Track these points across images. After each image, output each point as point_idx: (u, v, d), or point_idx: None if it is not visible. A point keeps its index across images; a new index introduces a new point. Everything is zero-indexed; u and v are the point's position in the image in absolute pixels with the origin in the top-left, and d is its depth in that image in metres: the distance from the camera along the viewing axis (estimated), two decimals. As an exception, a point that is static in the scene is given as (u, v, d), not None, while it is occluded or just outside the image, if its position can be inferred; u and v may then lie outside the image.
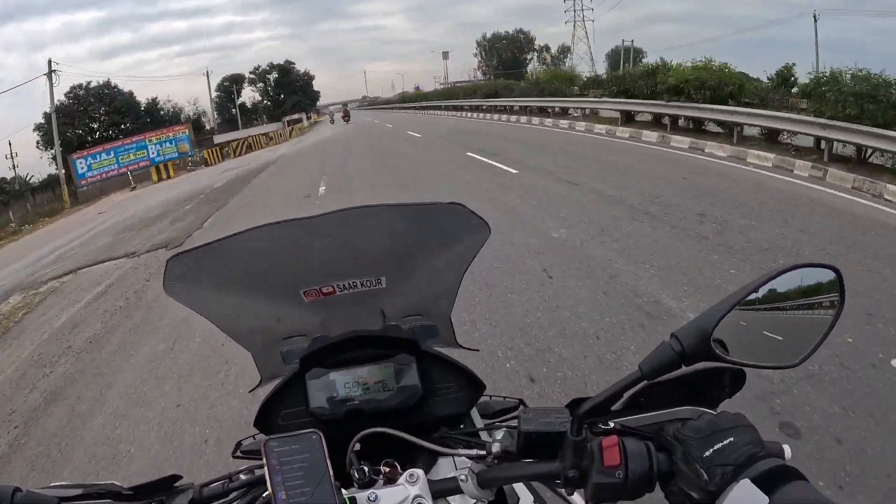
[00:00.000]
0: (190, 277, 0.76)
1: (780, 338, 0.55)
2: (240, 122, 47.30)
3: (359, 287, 0.82)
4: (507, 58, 62.45)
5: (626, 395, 0.59)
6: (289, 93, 58.33)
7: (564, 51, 62.14)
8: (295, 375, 0.76)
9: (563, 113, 16.81)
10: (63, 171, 26.48)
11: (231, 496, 0.68)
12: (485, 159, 10.11)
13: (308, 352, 0.77)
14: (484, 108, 24.22)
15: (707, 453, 0.50)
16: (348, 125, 35.15)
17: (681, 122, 11.06)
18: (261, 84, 57.85)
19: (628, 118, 12.81)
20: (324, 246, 0.79)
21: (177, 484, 0.70)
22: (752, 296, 0.53)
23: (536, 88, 19.84)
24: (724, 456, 0.49)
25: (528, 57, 64.21)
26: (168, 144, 28.91)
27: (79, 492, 0.62)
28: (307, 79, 60.74)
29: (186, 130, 30.38)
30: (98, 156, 27.36)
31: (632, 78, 13.62)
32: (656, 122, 11.85)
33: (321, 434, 0.60)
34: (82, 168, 26.71)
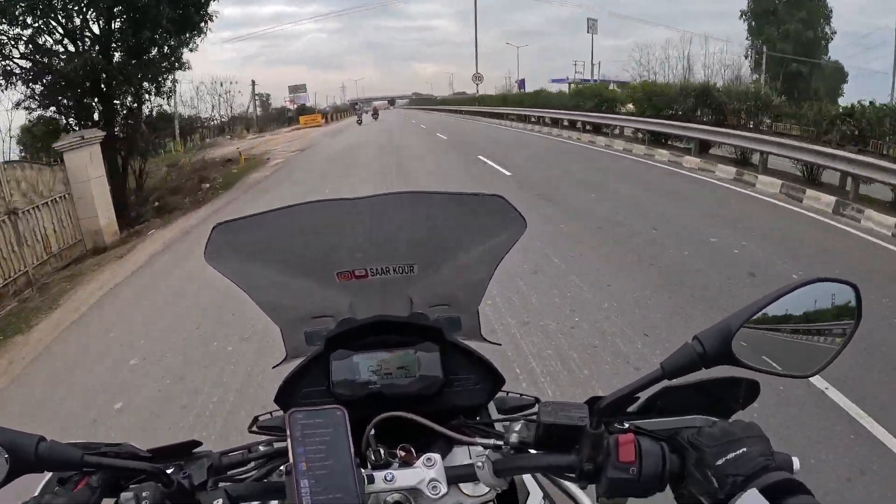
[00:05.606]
0: (231, 247, 0.77)
1: (796, 348, 0.57)
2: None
3: (391, 272, 0.83)
4: (795, 30, 30.72)
5: (644, 397, 0.61)
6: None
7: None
8: (319, 355, 0.77)
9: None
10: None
11: (249, 465, 0.69)
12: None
13: (334, 333, 0.78)
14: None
15: (720, 462, 0.52)
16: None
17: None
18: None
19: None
20: (363, 228, 0.80)
21: (195, 450, 0.70)
22: (771, 306, 0.54)
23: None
24: (736, 466, 0.51)
25: (829, 32, 32.21)
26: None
27: (99, 449, 0.62)
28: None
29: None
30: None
31: None
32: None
33: (345, 411, 0.61)
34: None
